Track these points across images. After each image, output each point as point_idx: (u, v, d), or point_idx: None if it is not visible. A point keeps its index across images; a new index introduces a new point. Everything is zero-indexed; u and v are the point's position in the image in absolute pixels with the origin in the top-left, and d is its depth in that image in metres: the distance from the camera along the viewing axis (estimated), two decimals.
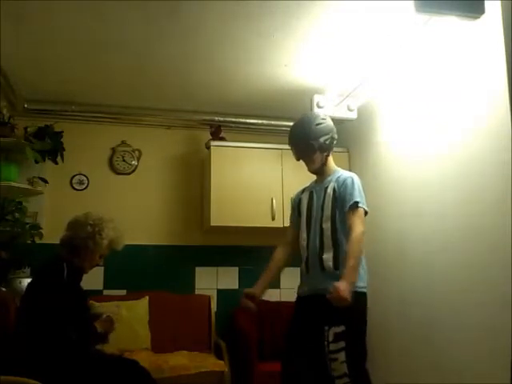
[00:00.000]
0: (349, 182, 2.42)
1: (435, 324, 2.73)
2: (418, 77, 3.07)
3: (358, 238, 2.26)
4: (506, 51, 2.19)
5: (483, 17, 2.27)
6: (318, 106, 3.50)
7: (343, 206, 2.38)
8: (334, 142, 2.57)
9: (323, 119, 2.56)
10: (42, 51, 3.16)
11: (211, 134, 4.11)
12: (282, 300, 3.98)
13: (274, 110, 4.14)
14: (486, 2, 2.25)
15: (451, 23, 2.50)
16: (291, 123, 4.29)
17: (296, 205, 2.68)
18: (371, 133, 3.67)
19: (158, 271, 4.02)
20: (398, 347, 3.10)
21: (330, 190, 2.46)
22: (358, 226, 2.30)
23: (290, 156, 4.08)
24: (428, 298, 2.81)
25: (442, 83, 2.80)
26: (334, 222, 2.40)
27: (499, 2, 2.25)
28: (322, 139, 2.49)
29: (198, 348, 3.65)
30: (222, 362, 3.37)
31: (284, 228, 3.90)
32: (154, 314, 3.69)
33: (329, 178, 2.52)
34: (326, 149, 2.53)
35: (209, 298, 3.95)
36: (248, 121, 4.25)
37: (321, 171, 2.57)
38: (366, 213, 2.39)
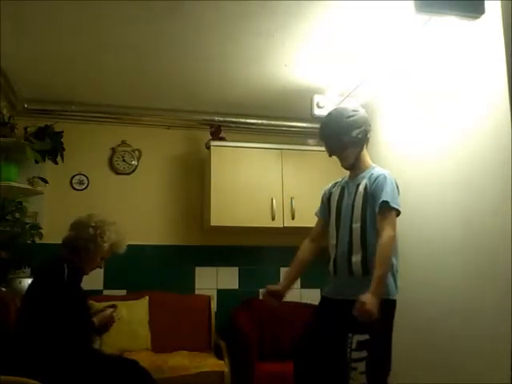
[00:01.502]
0: (381, 179, 2.25)
1: (435, 323, 2.73)
2: (418, 77, 3.07)
3: (386, 245, 2.10)
4: (506, 51, 2.19)
5: (483, 17, 2.27)
6: (318, 106, 3.49)
7: (374, 205, 2.23)
8: (368, 135, 2.41)
9: (354, 111, 2.38)
10: (42, 51, 3.16)
11: (211, 134, 4.11)
12: (282, 300, 3.98)
13: (274, 109, 4.14)
14: (486, 2, 2.25)
15: (451, 23, 2.50)
16: (291, 123, 4.37)
17: (326, 199, 2.53)
18: (371, 133, 3.65)
19: (158, 271, 4.02)
20: (399, 347, 3.09)
21: (361, 188, 2.30)
22: (386, 230, 2.13)
23: (290, 156, 4.14)
24: (428, 297, 2.81)
25: (442, 83, 2.80)
26: (365, 223, 2.25)
27: (499, 2, 2.25)
28: (353, 133, 2.33)
29: (198, 348, 3.65)
30: (222, 362, 3.37)
31: (284, 228, 3.91)
32: (154, 314, 3.69)
33: (362, 175, 2.36)
34: (358, 143, 2.37)
35: (209, 298, 3.95)
36: (248, 121, 4.25)
37: (354, 167, 2.41)
38: (399, 213, 2.24)
